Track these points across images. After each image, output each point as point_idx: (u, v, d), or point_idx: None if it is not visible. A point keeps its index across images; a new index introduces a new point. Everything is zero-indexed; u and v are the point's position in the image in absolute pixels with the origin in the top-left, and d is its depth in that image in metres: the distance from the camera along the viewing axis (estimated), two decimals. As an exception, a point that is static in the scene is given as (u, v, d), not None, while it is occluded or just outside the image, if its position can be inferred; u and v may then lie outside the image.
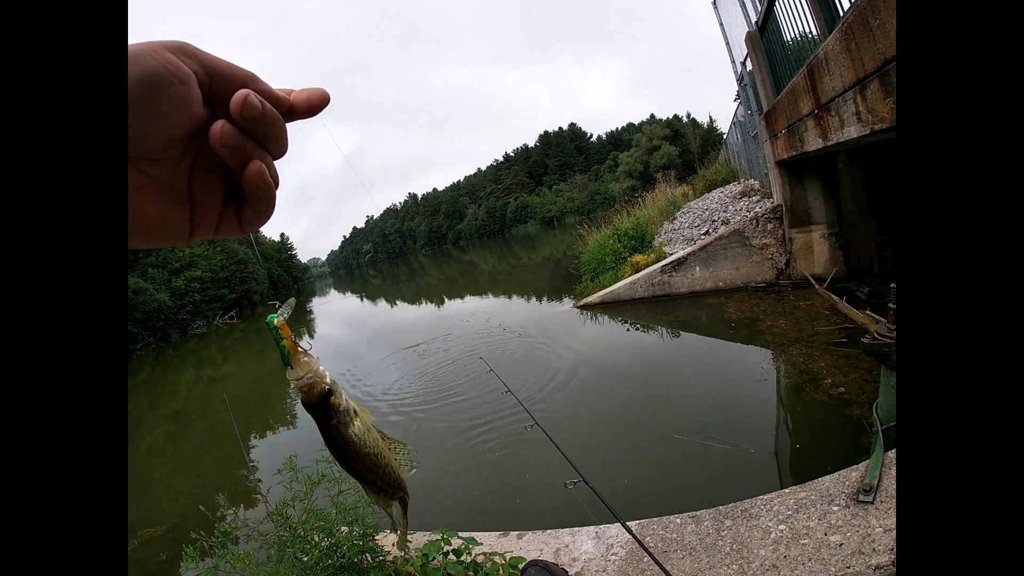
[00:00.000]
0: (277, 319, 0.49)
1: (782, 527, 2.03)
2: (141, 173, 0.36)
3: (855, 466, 2.23)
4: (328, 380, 0.50)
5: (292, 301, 0.52)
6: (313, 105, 0.41)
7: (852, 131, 4.00)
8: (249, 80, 0.38)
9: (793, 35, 6.01)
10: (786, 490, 2.24)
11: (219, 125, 0.36)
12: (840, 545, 1.84)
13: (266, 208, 0.41)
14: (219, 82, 0.37)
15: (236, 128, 0.37)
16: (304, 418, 8.03)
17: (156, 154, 0.36)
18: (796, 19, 5.53)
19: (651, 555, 1.83)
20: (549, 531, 2.59)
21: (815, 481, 2.22)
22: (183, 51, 0.35)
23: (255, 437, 7.52)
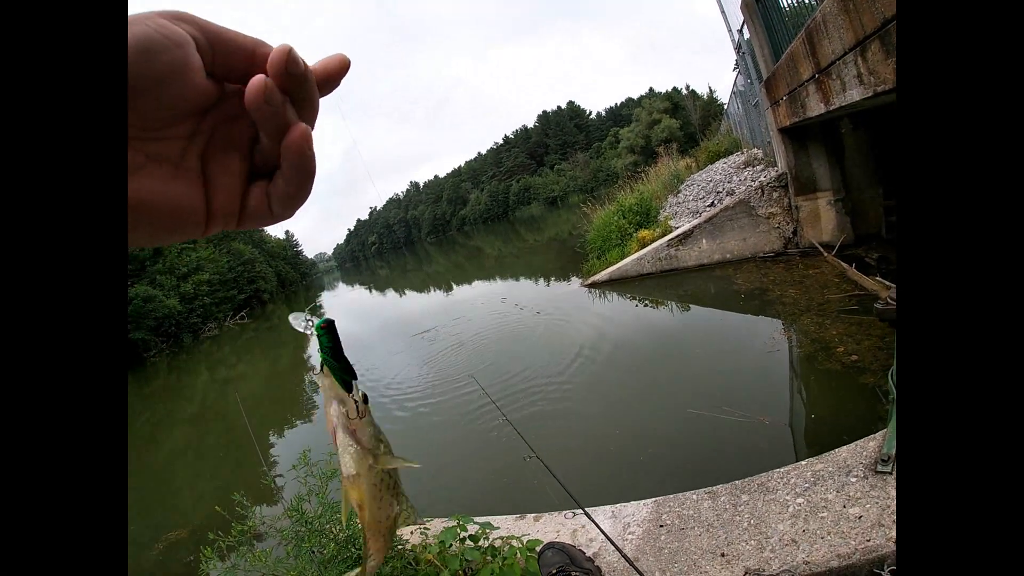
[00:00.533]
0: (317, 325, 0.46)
1: (800, 500, 2.01)
2: (142, 153, 0.32)
3: (872, 436, 2.21)
4: (357, 397, 0.47)
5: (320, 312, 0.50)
6: (331, 74, 0.36)
7: (854, 94, 3.92)
8: (256, 46, 0.34)
9: (789, 0, 5.88)
10: (803, 462, 2.22)
11: (261, 79, 0.32)
12: (860, 518, 1.82)
13: (307, 182, 0.35)
14: (221, 48, 0.33)
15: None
16: (322, 411, 8.11)
17: (159, 132, 0.32)
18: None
19: (621, 552, 1.82)
20: (566, 512, 2.59)
21: (832, 452, 2.20)
22: (178, 17, 0.31)
23: (273, 434, 7.60)
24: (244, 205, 0.36)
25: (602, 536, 2.31)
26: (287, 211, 0.37)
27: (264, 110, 0.33)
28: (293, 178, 0.35)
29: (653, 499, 2.39)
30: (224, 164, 0.35)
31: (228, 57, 0.33)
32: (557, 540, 2.24)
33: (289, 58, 0.32)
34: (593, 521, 2.33)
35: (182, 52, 0.31)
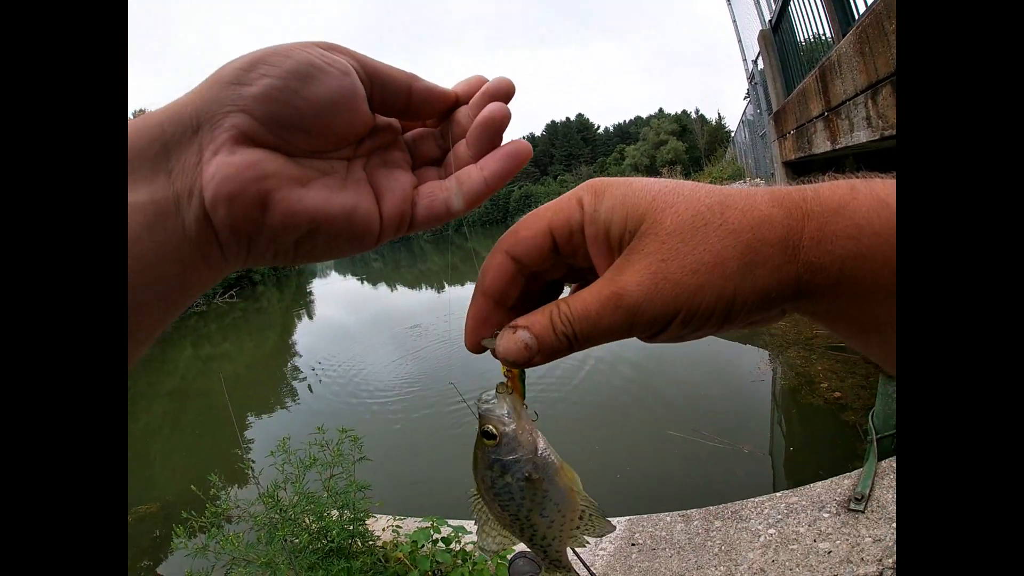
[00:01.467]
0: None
1: (772, 531, 2.03)
2: (310, 168, 0.33)
3: (847, 474, 2.23)
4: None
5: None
6: (497, 97, 0.38)
7: (861, 136, 3.96)
8: (412, 80, 0.36)
9: (806, 36, 5.95)
10: (777, 494, 2.24)
11: (499, 106, 0.36)
12: (829, 552, 1.84)
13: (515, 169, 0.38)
14: (379, 81, 0.35)
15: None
16: (303, 399, 8.08)
17: (324, 154, 0.34)
18: (810, 20, 5.48)
19: (587, 567, 1.84)
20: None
21: (807, 487, 2.23)
22: (333, 48, 0.33)
23: (252, 417, 7.55)
24: (415, 208, 0.37)
25: (572, 550, 2.32)
26: (474, 204, 0.38)
27: (492, 128, 0.36)
28: (499, 173, 0.37)
29: (627, 517, 2.41)
30: (388, 177, 0.37)
31: (385, 90, 0.35)
32: (528, 549, 2.25)
33: (511, 90, 0.36)
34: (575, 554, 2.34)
35: (349, 81, 0.33)
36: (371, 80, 0.34)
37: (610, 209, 0.33)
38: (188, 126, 0.31)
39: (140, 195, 0.30)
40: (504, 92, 0.37)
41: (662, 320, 0.31)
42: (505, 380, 0.38)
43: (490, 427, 0.37)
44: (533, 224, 0.35)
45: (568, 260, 0.36)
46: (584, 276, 0.37)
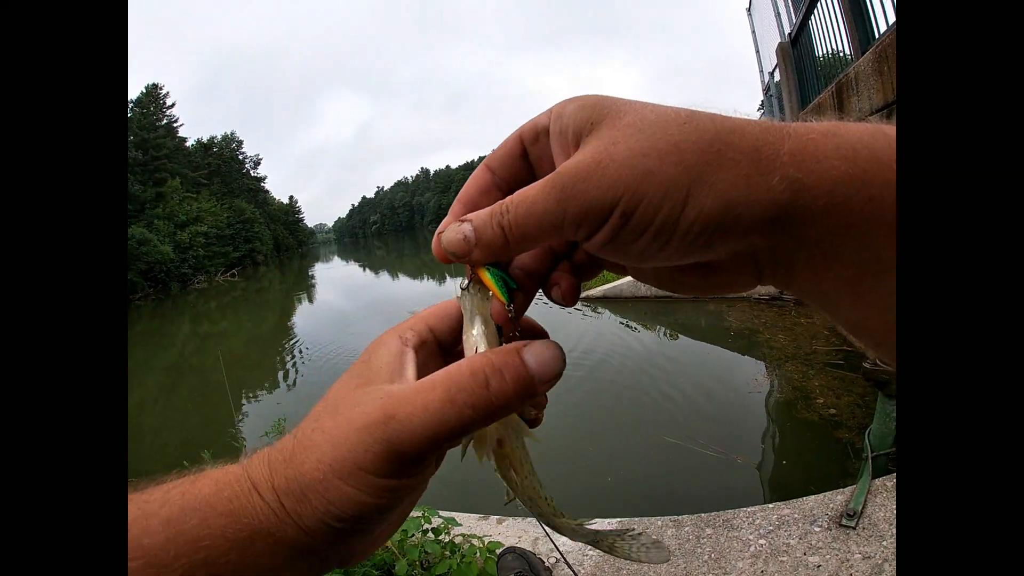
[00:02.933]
0: None
1: (762, 542, 2.04)
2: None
3: (840, 489, 2.24)
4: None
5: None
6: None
7: (875, 154, 3.96)
8: None
9: (825, 51, 5.93)
10: (769, 505, 2.25)
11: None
12: (818, 567, 1.85)
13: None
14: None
15: None
16: (299, 380, 8.09)
17: None
18: (830, 36, 5.46)
19: (568, 564, 1.83)
20: (529, 519, 2.61)
21: (799, 500, 2.23)
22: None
23: (247, 397, 7.57)
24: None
25: (562, 548, 2.33)
26: None
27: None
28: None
29: (618, 520, 2.41)
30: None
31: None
32: (518, 545, 2.25)
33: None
34: (544, 528, 2.35)
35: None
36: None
37: (575, 109, 0.31)
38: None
39: None
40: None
41: (598, 207, 0.27)
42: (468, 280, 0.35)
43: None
44: (508, 136, 0.35)
45: (537, 170, 0.35)
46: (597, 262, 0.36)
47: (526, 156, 0.35)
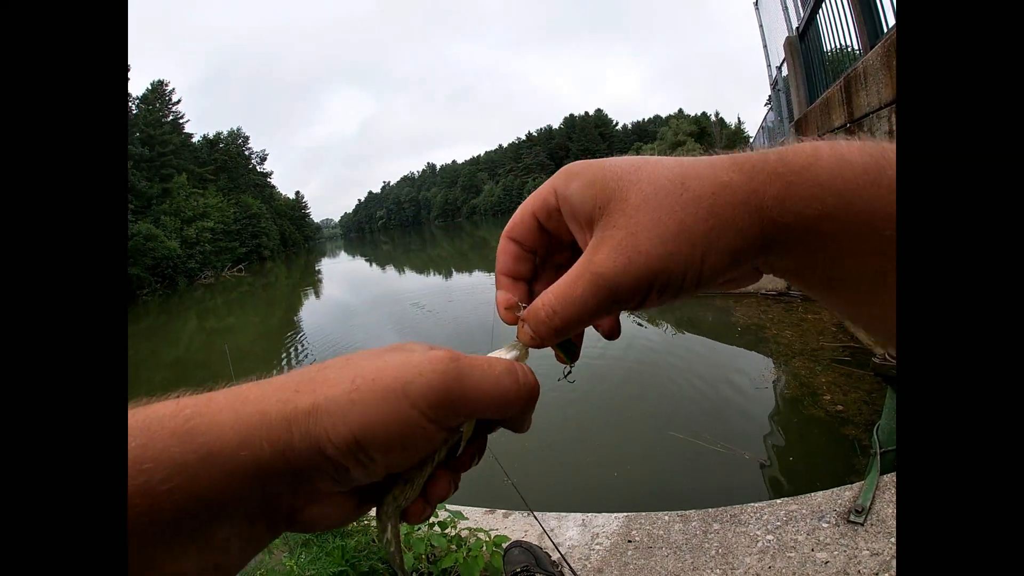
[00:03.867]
0: None
1: (770, 537, 2.03)
2: None
3: (848, 486, 2.23)
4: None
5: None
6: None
7: (883, 148, 3.92)
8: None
9: (833, 46, 5.88)
10: (777, 501, 2.24)
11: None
12: (826, 563, 1.84)
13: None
14: None
15: None
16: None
17: None
18: (838, 30, 5.41)
19: (565, 561, 1.84)
20: (537, 513, 2.61)
21: (807, 495, 2.22)
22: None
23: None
24: None
25: (569, 542, 2.33)
26: None
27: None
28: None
29: (625, 514, 2.41)
30: None
31: None
32: (524, 540, 2.26)
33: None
34: (541, 524, 2.36)
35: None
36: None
37: (579, 190, 0.35)
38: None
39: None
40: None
41: (641, 291, 0.33)
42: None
43: None
44: (520, 210, 0.40)
45: (557, 237, 0.40)
46: None
47: (544, 228, 0.40)
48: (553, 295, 0.35)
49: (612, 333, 0.42)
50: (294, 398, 0.29)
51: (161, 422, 0.28)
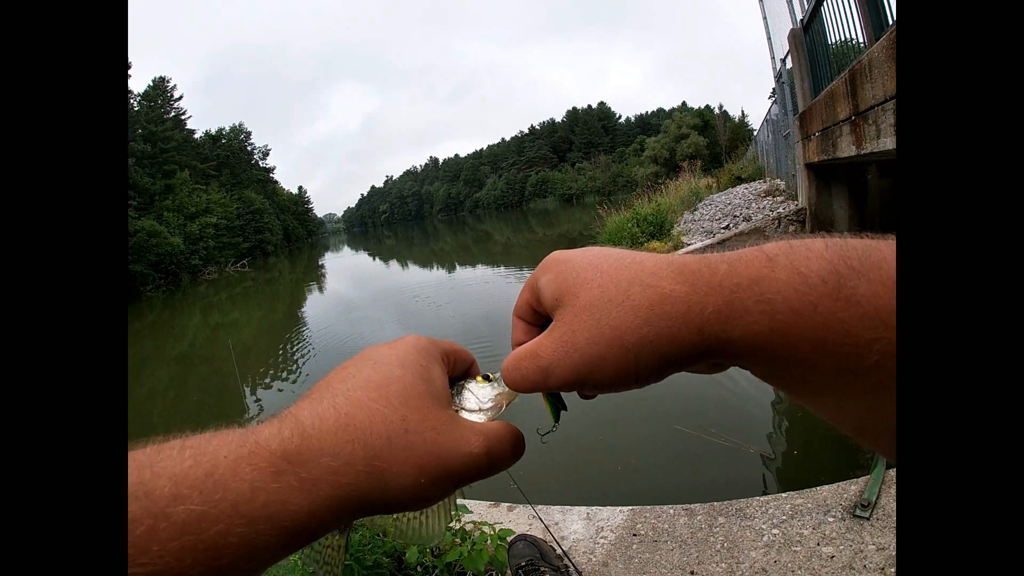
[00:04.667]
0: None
1: (775, 531, 2.03)
2: None
3: (855, 480, 2.22)
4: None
5: None
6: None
7: (888, 143, 3.89)
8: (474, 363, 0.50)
9: (837, 38, 5.83)
10: (783, 495, 2.23)
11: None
12: (832, 557, 1.83)
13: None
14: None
15: None
16: (310, 373, 8.15)
17: None
18: (843, 22, 5.36)
19: (557, 542, 1.83)
20: (540, 507, 2.61)
21: (813, 490, 2.21)
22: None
23: (257, 387, 7.63)
24: None
25: (573, 536, 2.33)
26: None
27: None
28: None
29: (630, 507, 2.41)
30: None
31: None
32: (529, 533, 2.26)
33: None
34: (539, 517, 2.36)
35: None
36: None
37: (547, 283, 0.40)
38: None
39: None
40: None
41: (572, 383, 0.37)
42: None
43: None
44: (520, 293, 0.45)
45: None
46: None
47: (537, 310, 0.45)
48: (512, 355, 0.41)
49: (584, 397, 0.44)
50: (365, 480, 0.34)
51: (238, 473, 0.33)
